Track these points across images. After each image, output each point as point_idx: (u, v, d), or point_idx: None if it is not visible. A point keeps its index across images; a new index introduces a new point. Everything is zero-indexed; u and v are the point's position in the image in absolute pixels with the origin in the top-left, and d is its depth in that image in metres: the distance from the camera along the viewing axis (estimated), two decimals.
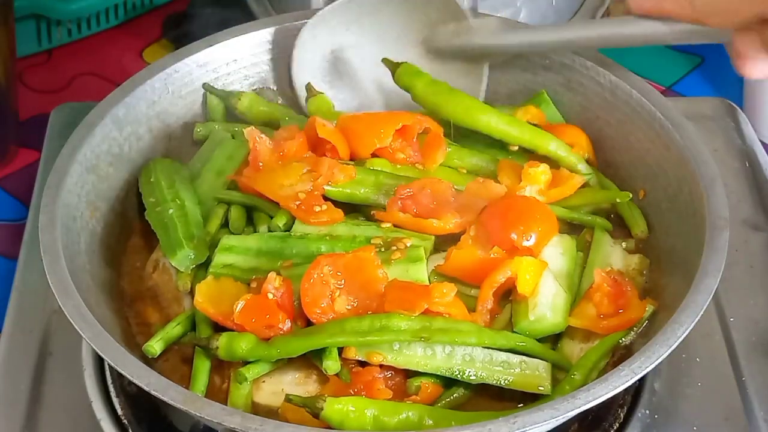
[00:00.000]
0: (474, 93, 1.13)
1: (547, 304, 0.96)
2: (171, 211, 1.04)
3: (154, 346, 0.95)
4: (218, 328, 0.95)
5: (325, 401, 0.87)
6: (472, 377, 0.93)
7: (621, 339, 0.96)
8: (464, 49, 1.15)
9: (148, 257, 1.05)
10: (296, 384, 0.93)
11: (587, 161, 1.09)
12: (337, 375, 0.92)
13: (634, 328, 0.96)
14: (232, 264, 0.99)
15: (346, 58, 1.17)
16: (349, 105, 1.17)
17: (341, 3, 1.15)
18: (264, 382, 0.93)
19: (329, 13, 1.15)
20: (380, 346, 0.92)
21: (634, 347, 0.95)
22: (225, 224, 1.04)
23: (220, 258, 0.99)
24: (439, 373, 0.92)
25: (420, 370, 0.92)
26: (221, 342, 0.92)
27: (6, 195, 1.31)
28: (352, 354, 0.92)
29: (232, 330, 0.93)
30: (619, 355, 0.95)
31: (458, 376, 0.92)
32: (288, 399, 0.89)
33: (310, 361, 0.93)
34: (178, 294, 1.00)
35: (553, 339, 0.97)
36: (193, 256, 1.00)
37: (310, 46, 1.16)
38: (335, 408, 0.87)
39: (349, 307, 0.93)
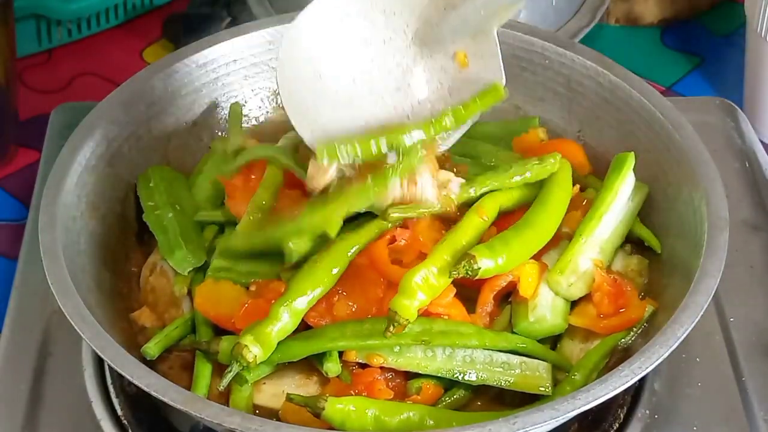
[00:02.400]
0: (494, 73, 0.99)
1: (546, 305, 0.96)
2: (170, 214, 1.04)
3: (153, 348, 0.95)
4: (218, 331, 0.95)
5: (326, 401, 0.87)
6: (473, 378, 0.92)
7: (621, 339, 0.96)
8: (461, 13, 0.99)
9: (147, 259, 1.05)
10: (297, 386, 0.93)
11: (586, 176, 1.08)
12: (337, 377, 0.92)
13: (634, 329, 0.96)
14: (230, 267, 0.98)
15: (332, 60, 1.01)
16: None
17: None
18: (265, 384, 0.93)
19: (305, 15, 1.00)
20: (381, 348, 0.92)
21: (634, 347, 0.95)
22: (221, 230, 1.04)
23: (218, 261, 0.99)
24: (439, 375, 0.92)
25: (420, 372, 0.93)
26: (222, 346, 0.92)
27: (6, 195, 1.31)
28: (353, 357, 0.92)
29: (232, 333, 0.93)
30: (619, 356, 0.95)
31: (459, 377, 0.92)
32: (289, 398, 0.89)
33: (311, 363, 0.93)
34: (175, 298, 1.00)
35: (553, 340, 0.98)
36: (191, 258, 1.00)
37: (295, 53, 1.00)
38: (336, 408, 0.87)
39: (349, 312, 0.93)
